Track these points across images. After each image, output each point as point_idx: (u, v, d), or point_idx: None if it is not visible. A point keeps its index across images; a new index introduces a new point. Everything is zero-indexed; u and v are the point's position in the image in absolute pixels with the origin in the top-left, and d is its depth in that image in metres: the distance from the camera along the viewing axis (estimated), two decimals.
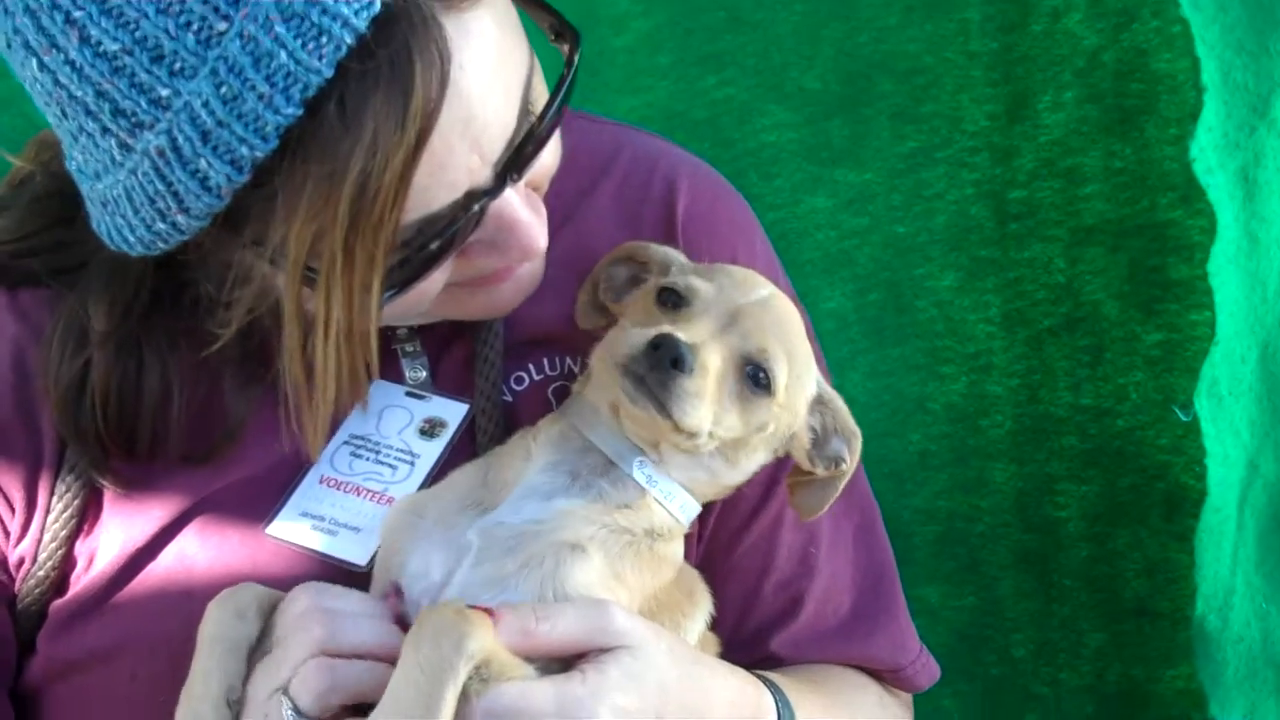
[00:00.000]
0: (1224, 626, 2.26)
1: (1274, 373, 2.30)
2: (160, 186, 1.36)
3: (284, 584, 1.51)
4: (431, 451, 1.67)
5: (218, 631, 1.46)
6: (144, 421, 1.62)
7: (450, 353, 1.73)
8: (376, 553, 1.59)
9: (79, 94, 1.35)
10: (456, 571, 1.49)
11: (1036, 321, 2.51)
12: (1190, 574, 2.42)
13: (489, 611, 1.39)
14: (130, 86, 1.32)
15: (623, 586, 1.51)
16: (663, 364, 1.44)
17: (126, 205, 1.41)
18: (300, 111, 1.30)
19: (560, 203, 1.73)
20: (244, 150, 1.31)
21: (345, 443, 1.68)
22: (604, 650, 1.44)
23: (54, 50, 1.33)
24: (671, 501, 1.57)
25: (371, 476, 1.66)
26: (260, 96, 1.29)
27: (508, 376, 1.72)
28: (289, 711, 1.42)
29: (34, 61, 1.36)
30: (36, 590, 1.63)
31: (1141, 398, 2.45)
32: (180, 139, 1.33)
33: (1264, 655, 2.29)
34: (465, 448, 1.67)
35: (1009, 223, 2.51)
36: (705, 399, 1.47)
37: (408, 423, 1.69)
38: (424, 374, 1.72)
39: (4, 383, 1.64)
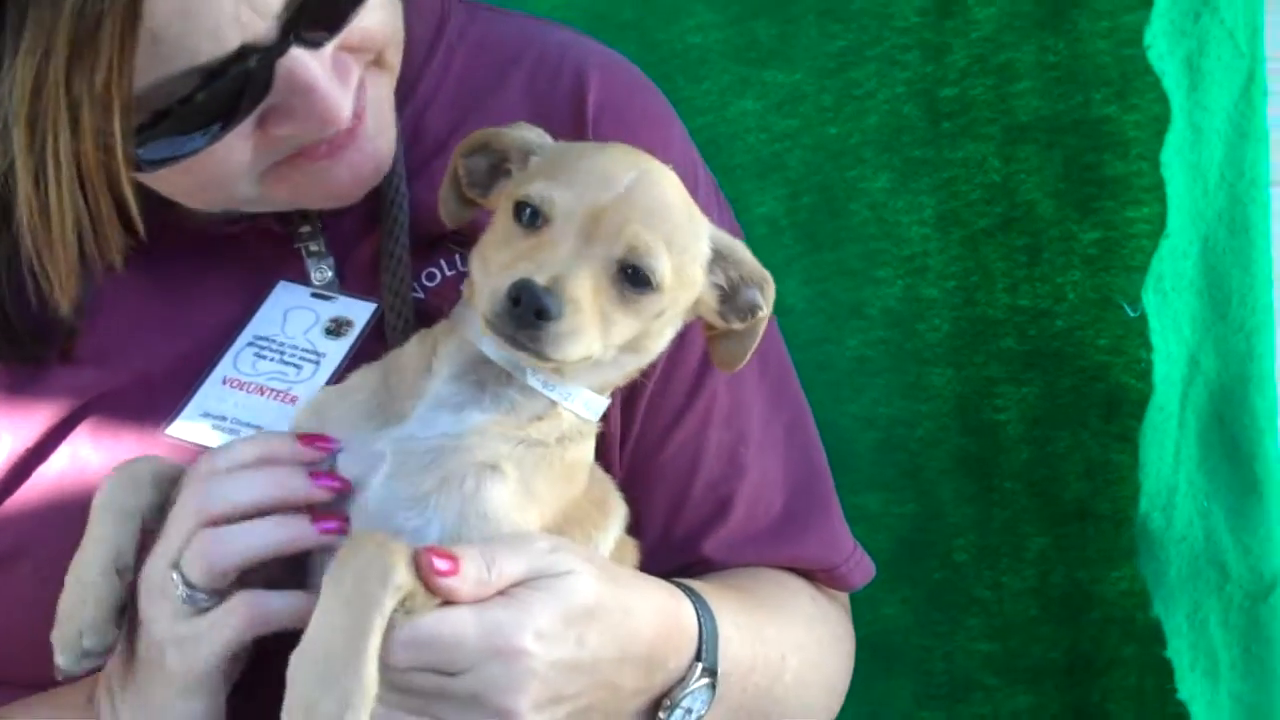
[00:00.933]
0: (1167, 526, 2.22)
1: (1214, 267, 2.26)
2: None
3: None
4: (338, 350, 1.62)
5: (109, 499, 1.43)
6: None
7: (357, 252, 1.68)
8: None
9: None
10: (370, 482, 1.44)
11: (972, 222, 2.43)
12: (1132, 475, 2.37)
13: (448, 556, 1.35)
14: None
15: (535, 503, 1.46)
16: (527, 319, 1.34)
17: None
18: None
19: (466, 95, 1.67)
20: None
21: (249, 344, 1.63)
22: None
23: None
24: (574, 402, 1.50)
25: (276, 376, 1.61)
26: None
27: (419, 274, 1.66)
28: (182, 588, 1.38)
29: None
30: None
31: (1079, 297, 2.40)
32: None
33: (1206, 554, 2.26)
34: (374, 346, 1.61)
35: (942, 121, 2.43)
36: (585, 330, 1.38)
37: (313, 323, 1.64)
38: (330, 274, 1.67)
39: None
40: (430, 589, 1.35)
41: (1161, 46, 2.15)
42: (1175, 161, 2.19)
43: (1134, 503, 2.37)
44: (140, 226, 1.41)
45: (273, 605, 1.40)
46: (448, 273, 1.67)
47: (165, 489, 1.45)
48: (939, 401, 2.50)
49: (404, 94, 1.64)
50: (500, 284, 1.36)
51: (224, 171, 1.46)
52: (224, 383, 1.61)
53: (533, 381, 1.47)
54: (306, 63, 1.41)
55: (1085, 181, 2.37)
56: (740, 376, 1.77)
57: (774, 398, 1.82)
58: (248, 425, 1.58)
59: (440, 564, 1.34)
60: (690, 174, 1.59)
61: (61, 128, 1.30)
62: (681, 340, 1.72)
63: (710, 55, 2.49)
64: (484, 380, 1.47)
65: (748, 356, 1.56)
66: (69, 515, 1.53)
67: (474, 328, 1.48)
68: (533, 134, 1.54)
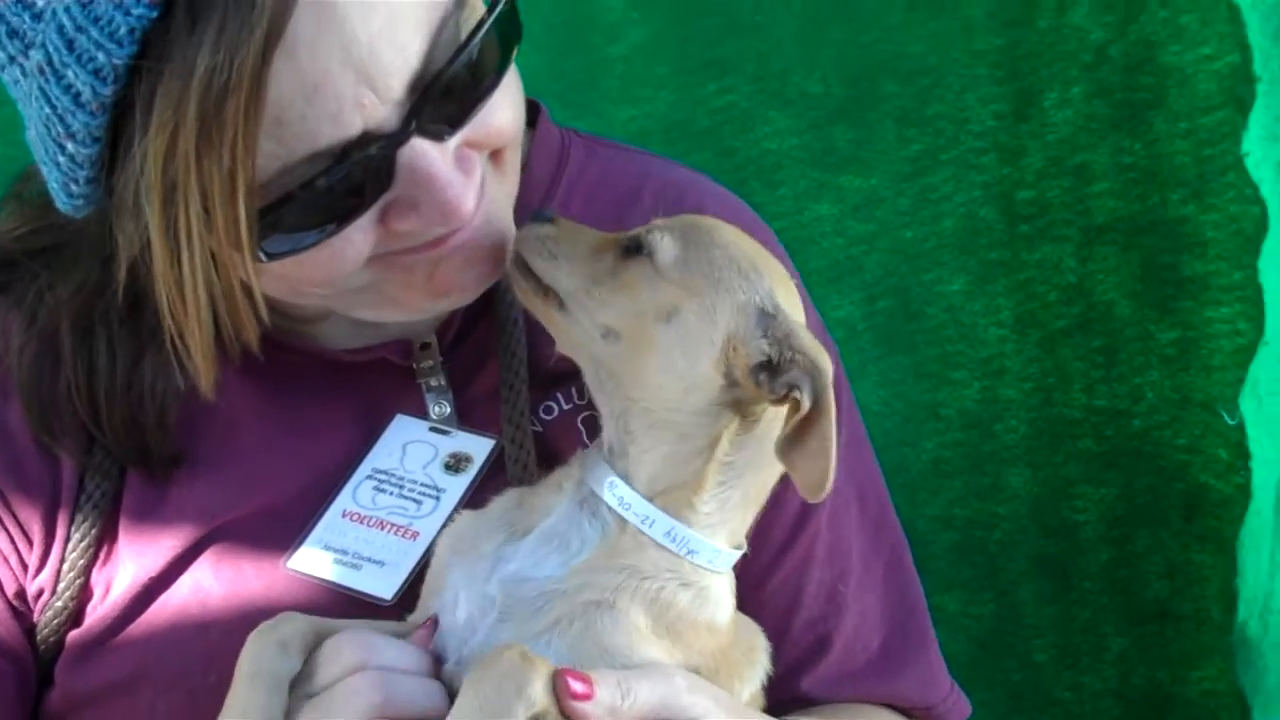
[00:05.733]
0: (1264, 632, 2.17)
1: None
2: (48, 109, 1.31)
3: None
4: (457, 486, 1.55)
5: (259, 665, 1.35)
6: (115, 409, 1.55)
7: (473, 385, 1.62)
8: (402, 587, 1.50)
9: None
10: (481, 623, 1.38)
11: (1049, 323, 2.39)
12: (1213, 575, 2.34)
13: (584, 679, 1.29)
14: (15, 1, 1.30)
15: (675, 641, 1.39)
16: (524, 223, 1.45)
17: (41, 148, 1.36)
18: (152, 13, 1.24)
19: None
20: (102, 56, 1.26)
21: (368, 477, 1.56)
22: None
23: None
24: (654, 529, 1.39)
25: (396, 511, 1.55)
26: None
27: (536, 407, 1.59)
28: None
29: None
30: (55, 621, 1.56)
31: (1158, 397, 2.34)
32: (51, 50, 1.28)
33: None
34: (496, 480, 1.55)
35: (1019, 224, 2.39)
36: (566, 258, 1.41)
37: (432, 458, 1.58)
38: (448, 409, 1.60)
39: (18, 412, 1.56)
40: (563, 711, 1.28)
41: (1258, 153, 2.13)
42: (1272, 267, 2.17)
43: (1216, 602, 2.32)
44: (265, 314, 1.38)
45: None
46: (564, 406, 1.61)
47: (309, 649, 1.38)
48: (1017, 502, 2.44)
49: None
50: None
51: (339, 265, 1.41)
52: (344, 515, 1.54)
53: (608, 495, 1.39)
54: (429, 153, 1.36)
55: (1163, 281, 2.32)
56: (841, 514, 1.71)
57: (874, 535, 1.76)
58: (369, 560, 1.51)
59: (576, 686, 1.28)
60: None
61: (193, 205, 1.28)
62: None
63: (786, 161, 2.45)
64: (596, 509, 1.41)
65: (828, 475, 1.37)
66: (189, 644, 1.50)
67: (593, 465, 1.43)
68: None
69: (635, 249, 1.40)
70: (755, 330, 1.38)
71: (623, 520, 1.40)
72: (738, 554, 1.44)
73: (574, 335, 1.43)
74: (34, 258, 1.58)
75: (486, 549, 1.42)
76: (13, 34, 1.31)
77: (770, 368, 1.38)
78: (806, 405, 1.35)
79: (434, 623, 1.41)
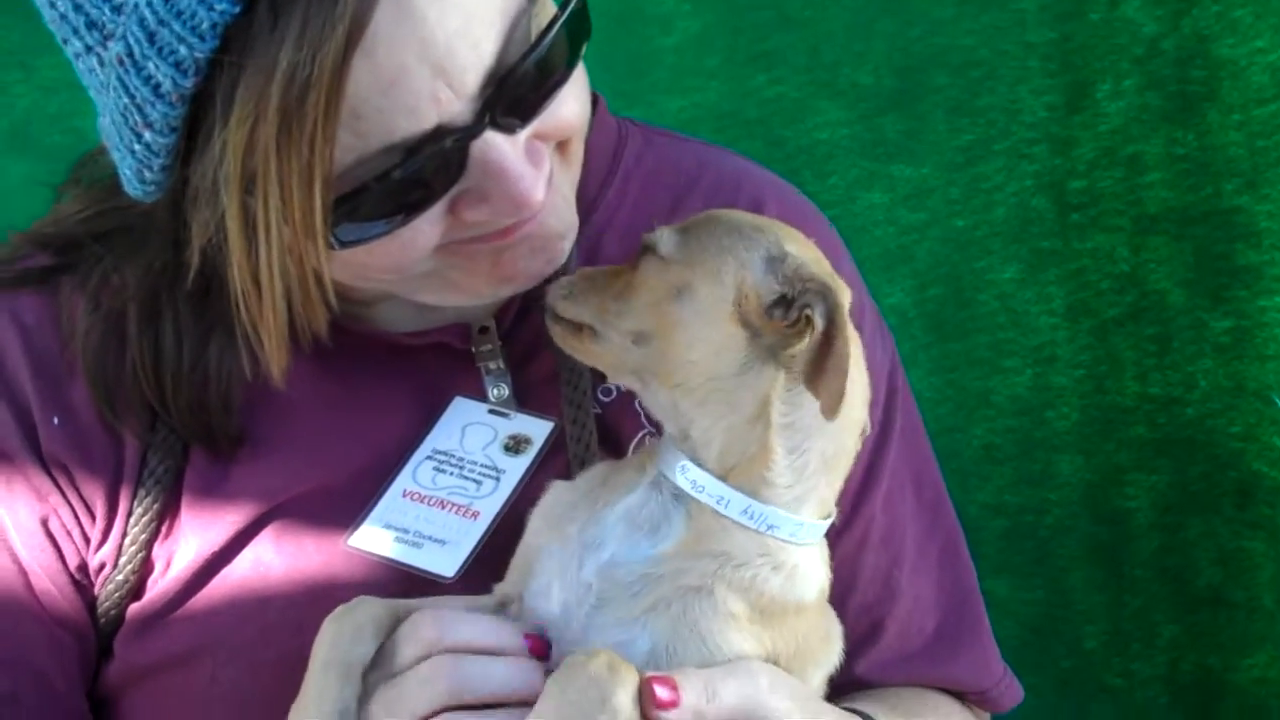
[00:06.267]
0: None
1: None
2: (127, 99, 1.32)
3: (365, 592, 1.42)
4: (518, 467, 1.56)
5: (333, 651, 1.35)
6: (181, 391, 1.56)
7: (532, 369, 1.63)
8: (464, 565, 1.50)
9: (63, 9, 1.34)
10: (577, 610, 1.39)
11: (1101, 312, 2.39)
12: (1266, 562, 2.33)
13: (670, 685, 1.30)
14: None
15: (766, 626, 1.39)
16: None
17: (116, 135, 1.37)
18: (235, 9, 1.25)
19: (642, 222, 1.64)
20: (184, 50, 1.27)
21: (428, 457, 1.57)
22: None
23: None
24: (730, 508, 1.39)
25: (456, 491, 1.55)
26: None
27: (594, 389, 1.62)
28: None
29: None
30: (115, 594, 1.57)
31: (1211, 385, 2.35)
32: (132, 42, 1.29)
33: None
34: (557, 461, 1.57)
35: (1070, 213, 2.39)
36: (588, 290, 1.44)
37: (491, 439, 1.59)
38: (506, 392, 1.61)
39: (83, 390, 1.58)
40: (648, 718, 1.28)
41: None
42: None
43: (1268, 590, 2.32)
44: (334, 302, 1.40)
45: None
46: (622, 388, 1.65)
47: (384, 634, 1.38)
48: (1068, 489, 2.44)
49: (580, 219, 1.59)
50: None
51: (408, 253, 1.43)
52: (404, 495, 1.55)
53: (681, 480, 1.40)
54: (501, 146, 1.37)
55: (1216, 271, 2.32)
56: (896, 499, 1.72)
57: (929, 520, 1.77)
58: (430, 538, 1.52)
59: (662, 693, 1.28)
60: (857, 306, 1.56)
61: (272, 195, 1.30)
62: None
63: (837, 151, 2.46)
64: (676, 492, 1.42)
65: (842, 392, 1.38)
66: (249, 618, 1.52)
67: (665, 451, 1.46)
68: None
69: (643, 253, 1.43)
70: (766, 277, 1.40)
71: (701, 507, 1.40)
72: (824, 524, 1.43)
73: (613, 355, 1.45)
74: (98, 240, 1.60)
75: (571, 530, 1.43)
76: (91, 25, 1.33)
77: (785, 302, 1.39)
78: (820, 324, 1.36)
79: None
